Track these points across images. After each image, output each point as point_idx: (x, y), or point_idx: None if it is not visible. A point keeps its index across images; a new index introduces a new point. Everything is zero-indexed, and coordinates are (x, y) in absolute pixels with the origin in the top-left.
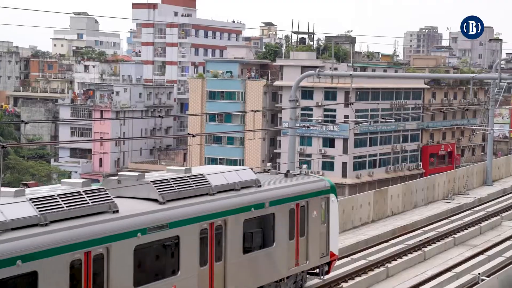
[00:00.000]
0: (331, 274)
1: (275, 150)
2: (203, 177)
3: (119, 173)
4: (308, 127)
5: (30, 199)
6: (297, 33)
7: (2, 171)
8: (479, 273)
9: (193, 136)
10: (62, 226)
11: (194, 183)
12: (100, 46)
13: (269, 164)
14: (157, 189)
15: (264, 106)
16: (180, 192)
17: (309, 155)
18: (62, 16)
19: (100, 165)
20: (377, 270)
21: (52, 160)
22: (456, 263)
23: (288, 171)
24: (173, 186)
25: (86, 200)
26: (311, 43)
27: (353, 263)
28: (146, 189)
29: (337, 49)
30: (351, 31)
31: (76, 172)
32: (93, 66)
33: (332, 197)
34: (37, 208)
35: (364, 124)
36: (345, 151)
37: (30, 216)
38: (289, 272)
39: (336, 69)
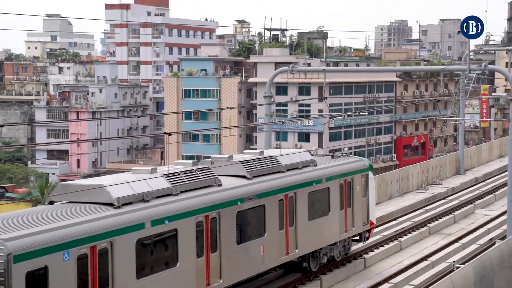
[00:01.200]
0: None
1: (251, 146)
2: (275, 158)
3: (212, 155)
4: (283, 122)
5: (163, 175)
6: (270, 30)
7: None
8: (454, 261)
9: (170, 134)
10: (188, 196)
11: (269, 163)
12: (74, 47)
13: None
14: (245, 167)
15: (239, 103)
16: (261, 170)
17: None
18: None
19: (78, 166)
20: (354, 261)
21: (29, 162)
22: (431, 252)
23: (333, 153)
24: (255, 165)
25: (199, 176)
26: (284, 39)
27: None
28: (236, 167)
29: (310, 44)
30: (323, 26)
31: (53, 173)
32: (68, 68)
33: (370, 174)
34: (169, 181)
35: (338, 118)
36: (320, 145)
37: (166, 188)
38: (340, 237)
39: (309, 64)
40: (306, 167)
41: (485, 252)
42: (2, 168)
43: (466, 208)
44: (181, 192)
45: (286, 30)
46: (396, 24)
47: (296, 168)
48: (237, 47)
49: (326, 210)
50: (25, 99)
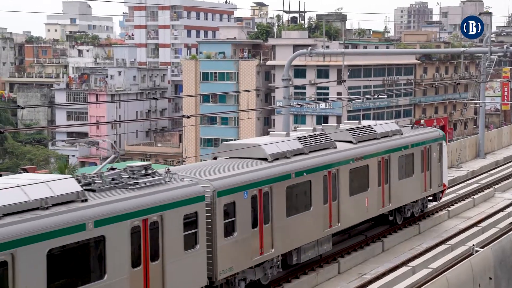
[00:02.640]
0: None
1: (269, 129)
2: (371, 127)
3: (323, 124)
4: (301, 105)
5: (296, 137)
6: (288, 12)
7: (1, 156)
8: (473, 245)
9: (188, 117)
10: (315, 155)
11: (368, 131)
12: (93, 30)
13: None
14: (351, 134)
15: (257, 86)
16: (363, 136)
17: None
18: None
19: (97, 149)
20: (373, 245)
21: (50, 144)
22: (450, 235)
23: (413, 124)
24: (357, 132)
25: (321, 140)
26: (303, 22)
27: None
28: (344, 134)
29: (329, 27)
30: (342, 8)
31: (73, 155)
32: (87, 51)
33: (444, 143)
34: (301, 143)
35: (357, 101)
36: None
37: (300, 148)
38: (421, 196)
39: (328, 47)
40: (395, 135)
41: (505, 236)
42: (23, 149)
43: (486, 191)
44: (310, 151)
45: (304, 12)
46: (416, 6)
47: (387, 136)
48: (256, 30)
49: (410, 172)
50: (45, 81)
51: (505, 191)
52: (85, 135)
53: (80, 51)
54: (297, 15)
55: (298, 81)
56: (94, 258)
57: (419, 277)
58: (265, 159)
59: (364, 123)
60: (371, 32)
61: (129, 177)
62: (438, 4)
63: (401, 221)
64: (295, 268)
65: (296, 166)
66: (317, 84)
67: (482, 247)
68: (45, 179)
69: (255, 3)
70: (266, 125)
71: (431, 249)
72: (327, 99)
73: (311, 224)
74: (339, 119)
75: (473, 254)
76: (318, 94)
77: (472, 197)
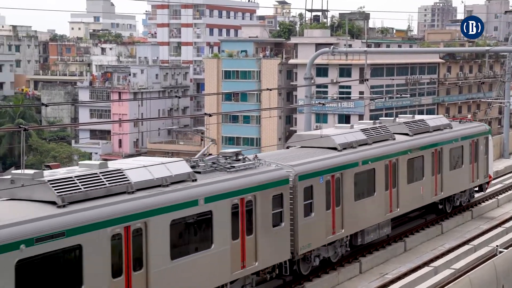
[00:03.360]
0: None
1: (291, 128)
2: (425, 121)
3: (380, 118)
4: (323, 104)
5: (360, 129)
6: (311, 10)
7: (25, 153)
8: (497, 245)
9: (210, 115)
10: (377, 145)
11: (422, 124)
12: (116, 28)
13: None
14: (407, 127)
15: (279, 84)
16: (418, 129)
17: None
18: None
19: (120, 146)
20: (394, 245)
21: (73, 141)
22: (473, 236)
23: (460, 119)
24: (413, 126)
25: (381, 131)
26: (325, 20)
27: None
28: (401, 127)
29: (351, 25)
30: (364, 7)
31: (96, 153)
32: (110, 49)
33: (490, 137)
34: (365, 134)
35: (379, 100)
36: None
37: (364, 139)
38: (469, 186)
39: (350, 45)
40: (445, 129)
41: None
42: (47, 147)
43: (510, 192)
44: (373, 142)
45: (327, 11)
46: (440, 4)
47: (439, 129)
48: (278, 28)
49: (460, 164)
50: (69, 79)
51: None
52: (107, 132)
53: (103, 49)
54: (319, 13)
55: (320, 80)
56: (203, 230)
57: (442, 277)
58: (335, 149)
59: (417, 117)
60: (394, 31)
61: (225, 161)
62: (462, 2)
63: (450, 210)
64: (310, 270)
65: (362, 155)
66: (339, 83)
67: (506, 248)
68: (163, 161)
69: (277, 1)
70: (288, 123)
71: (454, 249)
72: (349, 98)
73: (374, 208)
74: (361, 118)
75: (497, 255)
76: (340, 93)
77: (496, 197)
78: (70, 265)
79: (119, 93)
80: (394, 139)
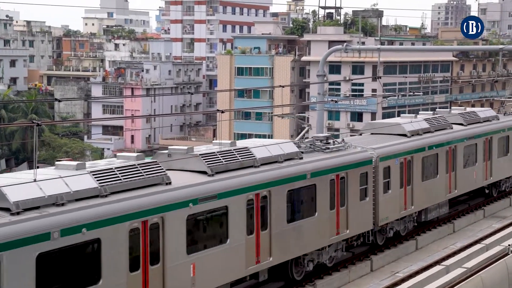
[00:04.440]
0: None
1: (303, 125)
2: (476, 113)
3: (437, 109)
4: (336, 101)
5: (424, 119)
6: (324, 8)
7: (38, 148)
8: (509, 245)
9: (222, 112)
10: (439, 133)
11: (474, 116)
12: (129, 24)
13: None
14: (462, 117)
15: (292, 81)
16: (471, 120)
17: (337, 130)
18: None
19: (132, 142)
20: (406, 243)
21: (85, 137)
22: (485, 235)
23: (497, 114)
24: (466, 116)
25: (441, 121)
26: (338, 17)
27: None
28: (456, 118)
29: (364, 23)
30: (377, 4)
31: (108, 149)
32: (123, 45)
33: None
34: (428, 123)
35: (392, 98)
36: None
37: (428, 127)
38: (509, 174)
39: (363, 43)
40: (493, 120)
41: None
42: (59, 142)
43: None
44: (435, 130)
45: (340, 8)
46: (454, 2)
47: (488, 120)
48: (291, 25)
49: (506, 152)
50: (82, 75)
51: None
52: (120, 128)
53: (116, 45)
54: (333, 10)
55: (333, 77)
56: (310, 200)
57: (453, 276)
58: (404, 135)
59: (468, 109)
60: (408, 29)
61: (320, 143)
62: (476, 0)
63: (496, 194)
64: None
65: (428, 142)
66: (352, 80)
67: None
68: (276, 142)
69: None
70: (300, 120)
71: (466, 248)
72: (362, 95)
73: (437, 189)
74: (373, 116)
75: (509, 254)
76: (353, 90)
77: (508, 196)
78: (220, 221)
79: (132, 89)
80: (452, 128)
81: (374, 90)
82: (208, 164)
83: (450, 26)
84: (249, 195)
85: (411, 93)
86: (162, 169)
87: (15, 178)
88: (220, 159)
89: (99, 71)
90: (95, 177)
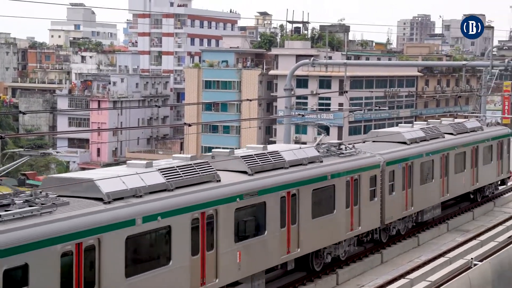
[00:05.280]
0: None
1: (270, 139)
2: (463, 123)
3: (429, 120)
4: (303, 115)
5: (420, 128)
6: (292, 22)
7: (1, 161)
8: (471, 258)
9: (190, 125)
10: (434, 142)
11: (462, 126)
12: (97, 37)
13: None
14: (452, 128)
15: (259, 95)
16: (459, 130)
17: (304, 143)
18: (59, 7)
19: (98, 155)
20: (371, 256)
21: (51, 149)
22: (449, 248)
23: (481, 125)
24: (455, 127)
25: (434, 131)
26: (306, 32)
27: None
28: (447, 128)
29: (331, 38)
30: (344, 19)
31: (74, 162)
32: (90, 57)
33: (511, 138)
34: (424, 132)
35: (359, 112)
36: (340, 139)
37: (424, 136)
38: (496, 179)
39: (330, 57)
40: (479, 131)
41: (503, 250)
42: (23, 155)
43: (485, 205)
44: (431, 139)
45: (308, 22)
46: (419, 18)
47: (474, 131)
48: (259, 39)
49: (489, 160)
50: (48, 87)
51: (503, 205)
52: (86, 141)
53: (83, 58)
54: (300, 25)
55: (300, 91)
56: (328, 198)
57: None
58: (404, 143)
59: (456, 121)
60: (374, 44)
61: (335, 149)
62: (440, 17)
63: (480, 199)
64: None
65: (425, 149)
66: (319, 94)
67: (481, 261)
68: (298, 147)
69: (259, 12)
70: (268, 134)
71: (430, 261)
72: (329, 109)
73: (433, 192)
74: (340, 130)
75: (472, 267)
76: (320, 104)
77: (471, 210)
78: (260, 214)
79: (99, 101)
80: (444, 137)
81: (340, 104)
82: (248, 165)
83: (415, 41)
84: (282, 193)
85: (377, 108)
86: (212, 168)
87: (101, 174)
88: (257, 161)
89: (65, 83)
90: (163, 174)
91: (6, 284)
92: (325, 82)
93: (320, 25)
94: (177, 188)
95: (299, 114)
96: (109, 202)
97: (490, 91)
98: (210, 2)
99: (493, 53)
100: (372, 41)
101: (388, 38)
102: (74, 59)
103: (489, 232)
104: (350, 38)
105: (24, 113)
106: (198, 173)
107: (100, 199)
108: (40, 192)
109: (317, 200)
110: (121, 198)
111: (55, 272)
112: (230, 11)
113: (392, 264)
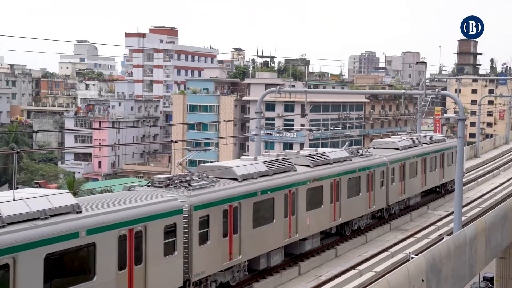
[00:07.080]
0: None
1: (244, 153)
2: (432, 136)
3: (418, 132)
4: (271, 134)
5: (406, 138)
6: (262, 57)
7: (17, 172)
8: (409, 252)
9: (176, 142)
10: (411, 150)
11: (414, 140)
12: (98, 68)
13: None
14: (426, 138)
15: (235, 117)
16: (432, 140)
17: None
18: (67, 44)
19: (99, 167)
20: (328, 251)
21: (59, 162)
22: (391, 244)
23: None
24: (425, 139)
25: (416, 139)
26: (273, 65)
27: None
28: (423, 139)
29: (294, 69)
30: (305, 54)
31: (79, 172)
32: (93, 85)
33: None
34: (409, 141)
35: (317, 132)
36: None
37: (409, 144)
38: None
39: (293, 86)
40: (431, 143)
41: (435, 246)
42: (36, 167)
43: (420, 208)
44: (414, 146)
45: (275, 57)
46: (366, 54)
47: (426, 144)
48: (234, 71)
49: (434, 167)
50: (57, 110)
51: (436, 208)
52: (89, 155)
53: (87, 85)
54: (269, 59)
55: (269, 114)
56: (356, 185)
57: (365, 279)
58: (397, 149)
59: (413, 135)
60: (329, 75)
61: (354, 152)
62: (384, 53)
63: (444, 191)
64: (260, 271)
65: (411, 154)
66: (284, 116)
67: (417, 255)
68: (337, 150)
69: (234, 48)
70: (241, 149)
71: (376, 255)
72: (292, 129)
73: (415, 184)
74: (302, 146)
75: (409, 260)
76: (285, 125)
77: (409, 213)
78: (319, 194)
79: (100, 122)
80: (422, 145)
81: (302, 125)
82: (310, 160)
83: (363, 73)
84: (332, 180)
85: (332, 128)
86: (290, 161)
87: (232, 164)
88: (314, 158)
89: (72, 107)
90: (265, 164)
91: (202, 227)
92: (289, 107)
93: (285, 59)
94: (274, 174)
95: (267, 133)
96: (241, 181)
97: (424, 115)
98: (194, 39)
99: (426, 83)
100: (328, 73)
101: (341, 71)
102: (79, 86)
103: (423, 230)
104: (310, 70)
105: (37, 132)
106: (283, 164)
107: (235, 179)
108: (203, 173)
109: (350, 186)
110: (246, 179)
111: (223, 221)
112: (210, 47)
113: (344, 258)
